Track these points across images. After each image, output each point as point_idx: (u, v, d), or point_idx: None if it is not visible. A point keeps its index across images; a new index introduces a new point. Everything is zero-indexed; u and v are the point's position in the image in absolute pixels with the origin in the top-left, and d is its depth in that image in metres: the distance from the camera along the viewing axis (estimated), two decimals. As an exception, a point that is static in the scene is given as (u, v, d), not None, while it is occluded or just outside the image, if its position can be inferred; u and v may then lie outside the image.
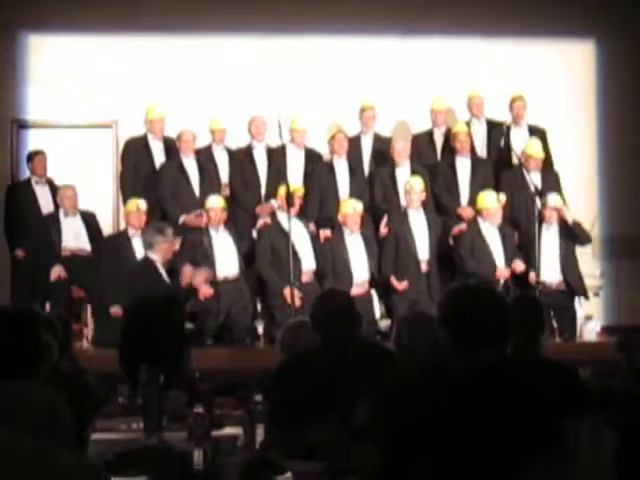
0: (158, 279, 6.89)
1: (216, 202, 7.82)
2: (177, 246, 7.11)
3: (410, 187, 8.01)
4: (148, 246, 7.00)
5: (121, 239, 7.78)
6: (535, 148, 8.33)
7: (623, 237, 9.40)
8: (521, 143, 8.43)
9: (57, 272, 7.66)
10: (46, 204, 8.13)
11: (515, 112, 8.70)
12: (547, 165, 8.54)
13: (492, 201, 8.00)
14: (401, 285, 7.83)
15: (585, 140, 9.49)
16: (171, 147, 8.40)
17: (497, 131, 8.74)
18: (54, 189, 8.20)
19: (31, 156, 8.32)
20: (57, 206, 8.00)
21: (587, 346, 7.75)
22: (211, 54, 9.21)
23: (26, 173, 8.81)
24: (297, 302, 7.35)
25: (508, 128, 8.56)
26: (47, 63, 9.12)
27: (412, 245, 7.92)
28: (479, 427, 2.68)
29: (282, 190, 7.77)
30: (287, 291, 7.46)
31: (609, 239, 9.42)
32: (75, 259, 7.77)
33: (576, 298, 8.04)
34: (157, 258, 6.94)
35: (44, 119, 9.10)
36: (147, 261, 7.00)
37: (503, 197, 8.15)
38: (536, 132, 8.65)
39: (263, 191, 8.39)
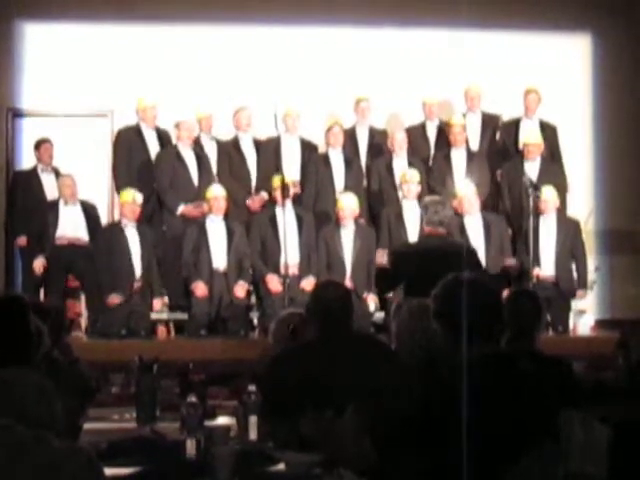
0: None
1: (219, 191, 7.77)
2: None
3: (407, 178, 7.99)
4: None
5: (115, 230, 7.77)
6: (532, 136, 8.28)
7: (618, 232, 9.41)
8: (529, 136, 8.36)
9: (39, 264, 7.60)
10: (52, 192, 8.09)
11: (526, 105, 8.63)
12: (554, 160, 8.51)
13: (467, 189, 7.90)
14: None
15: (580, 134, 9.48)
16: (164, 137, 8.34)
17: (492, 124, 8.72)
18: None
19: (38, 144, 8.26)
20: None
21: (581, 340, 7.78)
22: (207, 44, 9.18)
23: (22, 162, 8.81)
24: (279, 288, 7.46)
25: (514, 122, 8.49)
26: (43, 52, 9.08)
27: (404, 236, 7.90)
28: (472, 419, 2.69)
29: (277, 181, 7.75)
30: (269, 278, 7.56)
31: (604, 233, 9.43)
32: (72, 248, 7.73)
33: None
34: None
35: (40, 108, 9.08)
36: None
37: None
38: (546, 127, 8.59)
39: (253, 183, 8.35)
